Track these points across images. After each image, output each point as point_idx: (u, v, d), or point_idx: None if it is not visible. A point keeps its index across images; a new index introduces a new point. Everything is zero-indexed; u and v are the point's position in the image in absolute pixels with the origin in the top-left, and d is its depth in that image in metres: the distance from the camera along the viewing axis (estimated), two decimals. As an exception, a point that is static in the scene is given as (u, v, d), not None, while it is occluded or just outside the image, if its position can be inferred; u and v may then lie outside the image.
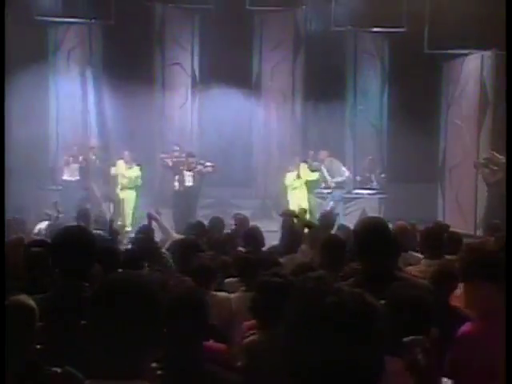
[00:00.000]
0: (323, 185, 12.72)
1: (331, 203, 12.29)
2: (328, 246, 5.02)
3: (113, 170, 12.68)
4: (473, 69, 12.40)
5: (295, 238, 6.45)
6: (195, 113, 14.06)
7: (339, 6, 12.76)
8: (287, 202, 12.44)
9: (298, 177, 12.38)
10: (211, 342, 3.23)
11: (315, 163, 12.62)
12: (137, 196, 12.53)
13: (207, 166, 12.24)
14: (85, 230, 3.67)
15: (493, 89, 11.85)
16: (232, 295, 4.57)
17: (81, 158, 12.51)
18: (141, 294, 1.70)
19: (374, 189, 13.05)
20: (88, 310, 1.73)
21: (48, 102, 13.13)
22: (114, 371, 1.65)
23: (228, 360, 3.15)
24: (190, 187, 12.21)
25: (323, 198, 12.56)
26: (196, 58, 14.05)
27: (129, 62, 12.61)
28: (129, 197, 12.52)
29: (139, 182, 12.56)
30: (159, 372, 2.12)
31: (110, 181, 12.69)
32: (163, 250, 5.73)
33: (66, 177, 12.55)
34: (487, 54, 12.01)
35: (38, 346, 2.68)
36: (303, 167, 12.44)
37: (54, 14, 12.33)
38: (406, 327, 2.42)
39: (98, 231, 6.91)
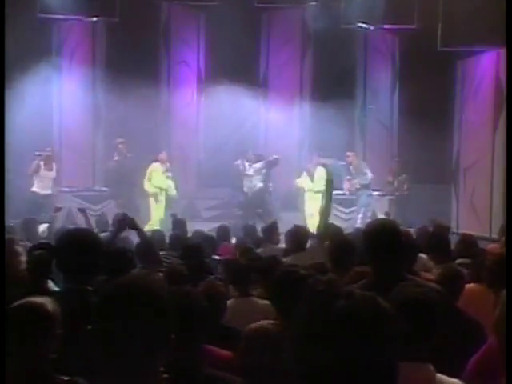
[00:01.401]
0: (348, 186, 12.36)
1: (362, 209, 11.95)
2: (337, 248, 4.90)
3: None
4: (488, 66, 12.06)
5: (301, 236, 6.26)
6: (201, 111, 13.90)
7: (348, 2, 12.51)
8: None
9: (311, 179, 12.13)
10: (214, 348, 3.09)
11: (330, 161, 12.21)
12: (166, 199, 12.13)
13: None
14: (89, 233, 3.60)
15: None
16: None
17: (54, 165, 11.68)
18: (150, 300, 1.69)
19: (400, 193, 12.61)
20: (94, 315, 1.71)
21: (51, 99, 12.94)
22: (119, 376, 1.65)
23: (232, 367, 2.94)
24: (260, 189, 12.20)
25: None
26: (202, 56, 13.96)
27: (133, 60, 12.39)
28: (161, 199, 12.04)
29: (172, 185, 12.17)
30: (165, 375, 1.97)
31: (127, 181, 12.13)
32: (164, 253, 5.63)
33: (35, 188, 11.31)
34: (503, 51, 11.67)
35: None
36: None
37: (58, 11, 12.18)
38: (411, 327, 2.28)
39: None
